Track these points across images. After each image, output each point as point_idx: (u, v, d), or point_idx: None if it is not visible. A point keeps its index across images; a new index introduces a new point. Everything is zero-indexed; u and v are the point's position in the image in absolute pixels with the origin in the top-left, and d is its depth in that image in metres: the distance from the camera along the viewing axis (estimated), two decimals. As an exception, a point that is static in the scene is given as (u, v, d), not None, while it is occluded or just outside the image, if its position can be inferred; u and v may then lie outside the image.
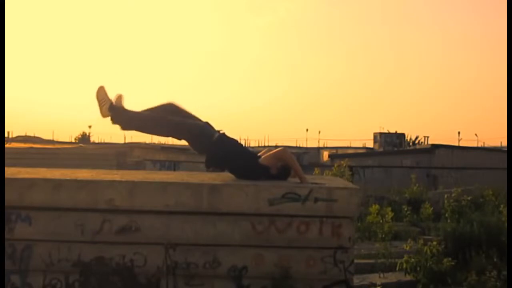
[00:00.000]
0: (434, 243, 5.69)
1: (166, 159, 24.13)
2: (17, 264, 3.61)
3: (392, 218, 7.49)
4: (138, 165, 16.46)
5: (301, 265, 3.63)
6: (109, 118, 4.20)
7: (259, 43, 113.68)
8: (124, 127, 4.25)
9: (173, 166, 20.55)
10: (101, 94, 4.18)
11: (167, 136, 4.46)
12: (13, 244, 3.62)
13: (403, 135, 38.17)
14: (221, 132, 4.21)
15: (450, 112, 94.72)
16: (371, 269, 5.88)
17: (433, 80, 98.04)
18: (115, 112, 4.18)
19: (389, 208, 7.63)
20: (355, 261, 3.86)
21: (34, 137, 38.72)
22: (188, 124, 4.18)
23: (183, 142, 4.31)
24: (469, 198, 9.03)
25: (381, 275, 5.63)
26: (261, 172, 4.02)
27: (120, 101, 4.22)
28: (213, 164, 4.28)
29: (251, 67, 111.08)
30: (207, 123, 4.25)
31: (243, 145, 4.33)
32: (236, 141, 4.28)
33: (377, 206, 6.94)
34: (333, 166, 12.46)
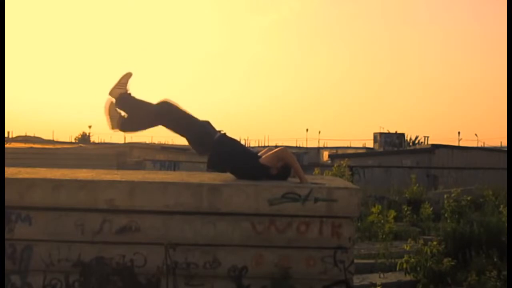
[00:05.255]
0: (434, 243, 5.68)
1: (166, 159, 24.14)
2: (17, 264, 3.61)
3: (393, 218, 7.49)
4: (138, 165, 16.37)
5: (301, 265, 3.62)
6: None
7: (260, 42, 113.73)
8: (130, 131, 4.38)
9: (173, 166, 20.58)
10: (111, 109, 4.24)
11: (173, 131, 4.27)
12: (13, 244, 3.61)
13: (403, 135, 38.19)
14: (221, 132, 4.20)
15: (450, 112, 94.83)
16: (371, 269, 5.88)
17: (433, 80, 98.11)
18: (124, 125, 4.26)
19: (392, 210, 7.63)
20: (355, 261, 3.86)
21: (34, 137, 38.62)
22: (189, 122, 4.16)
23: (183, 142, 4.30)
24: (469, 198, 9.02)
25: (381, 275, 5.63)
26: (262, 172, 4.02)
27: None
28: (215, 165, 4.25)
29: (252, 66, 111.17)
30: (208, 122, 4.23)
31: (244, 145, 4.32)
32: (237, 141, 4.27)
33: (379, 206, 6.94)
34: (333, 166, 12.47)
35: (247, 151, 4.30)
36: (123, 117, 4.25)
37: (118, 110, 4.25)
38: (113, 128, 4.27)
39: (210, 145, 4.12)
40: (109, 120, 4.25)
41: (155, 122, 4.25)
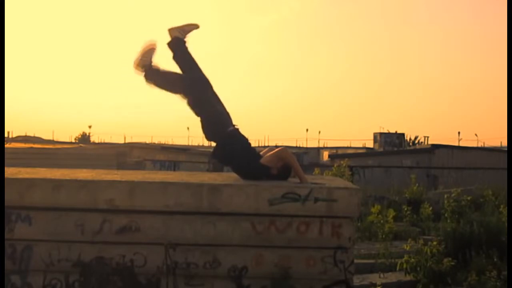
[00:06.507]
0: (434, 243, 5.68)
1: (166, 159, 24.11)
2: (17, 264, 3.61)
3: (392, 218, 7.49)
4: (138, 165, 16.35)
5: (301, 265, 3.63)
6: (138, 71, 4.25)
7: (260, 42, 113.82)
8: (152, 84, 4.28)
9: (173, 166, 20.57)
10: (148, 52, 4.22)
11: (187, 103, 4.25)
12: (13, 244, 3.62)
13: (403, 135, 38.11)
14: (236, 127, 4.24)
15: (450, 112, 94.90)
16: (371, 269, 5.88)
17: (433, 80, 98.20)
18: (149, 72, 4.23)
19: (392, 210, 7.63)
20: (355, 261, 3.86)
21: (34, 137, 38.62)
22: (212, 106, 4.20)
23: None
24: (469, 198, 9.02)
25: (381, 275, 5.63)
26: (262, 172, 4.03)
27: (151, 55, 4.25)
28: (219, 156, 4.30)
29: (252, 66, 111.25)
30: (228, 114, 4.27)
31: (251, 144, 4.33)
32: (247, 139, 4.29)
33: (378, 206, 6.95)
34: (333, 166, 12.47)
35: (252, 150, 4.29)
36: (153, 66, 4.24)
37: (151, 61, 4.23)
38: (135, 65, 4.22)
39: (220, 135, 4.17)
40: (139, 56, 4.21)
41: (180, 90, 4.24)
